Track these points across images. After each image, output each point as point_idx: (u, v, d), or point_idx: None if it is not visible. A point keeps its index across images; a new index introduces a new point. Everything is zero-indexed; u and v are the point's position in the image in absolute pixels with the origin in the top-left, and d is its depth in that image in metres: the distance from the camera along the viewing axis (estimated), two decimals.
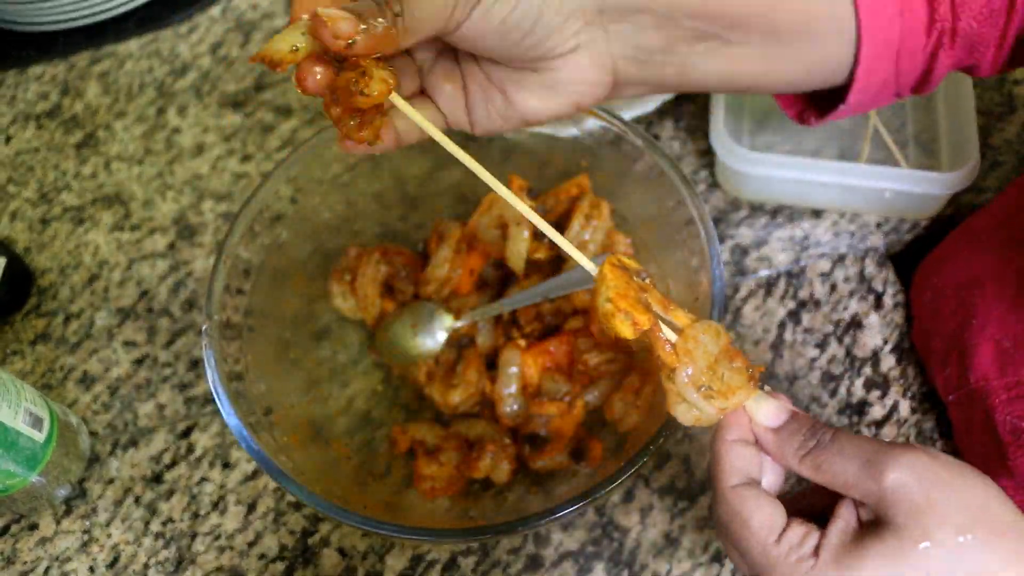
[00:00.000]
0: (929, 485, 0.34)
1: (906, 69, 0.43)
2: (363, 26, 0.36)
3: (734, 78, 0.44)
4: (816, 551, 0.35)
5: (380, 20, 0.36)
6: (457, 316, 0.58)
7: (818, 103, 0.48)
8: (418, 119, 0.41)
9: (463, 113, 0.44)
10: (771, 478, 0.39)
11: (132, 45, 0.83)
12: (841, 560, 0.35)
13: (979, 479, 0.36)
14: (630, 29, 0.41)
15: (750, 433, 0.39)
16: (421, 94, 0.44)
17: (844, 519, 0.36)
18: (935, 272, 0.60)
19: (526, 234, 0.57)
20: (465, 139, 0.61)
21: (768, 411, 0.39)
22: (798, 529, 0.36)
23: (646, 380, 0.53)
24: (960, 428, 0.55)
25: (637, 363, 0.55)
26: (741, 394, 0.39)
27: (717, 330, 0.39)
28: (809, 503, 0.40)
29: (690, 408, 0.39)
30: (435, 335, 0.58)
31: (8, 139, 0.78)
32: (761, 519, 0.37)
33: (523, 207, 0.41)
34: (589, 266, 0.40)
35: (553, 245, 0.59)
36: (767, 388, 0.40)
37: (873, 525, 0.35)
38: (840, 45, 0.42)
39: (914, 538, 0.34)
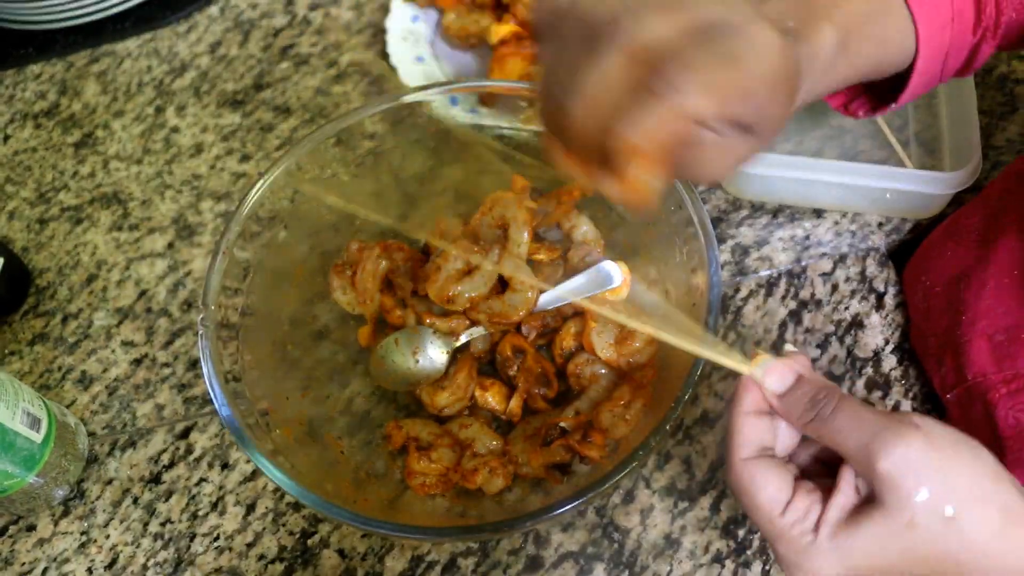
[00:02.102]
0: (920, 471, 0.36)
1: (952, 65, 0.47)
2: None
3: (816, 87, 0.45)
4: (816, 526, 0.38)
5: None
6: (455, 336, 0.58)
7: (866, 94, 0.51)
8: None
9: None
10: (785, 440, 0.41)
11: (130, 44, 0.82)
12: (836, 536, 0.37)
13: (972, 455, 0.38)
14: None
15: (765, 403, 0.41)
16: None
17: (844, 493, 0.38)
18: (923, 271, 0.60)
19: (526, 236, 0.57)
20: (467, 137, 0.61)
21: (773, 377, 0.40)
22: (802, 502, 0.38)
23: (636, 394, 0.53)
24: (959, 426, 0.55)
25: (628, 377, 0.55)
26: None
27: None
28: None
29: None
30: (435, 359, 0.57)
31: (6, 138, 0.78)
32: (768, 493, 0.39)
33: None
34: (744, 368, 0.41)
35: (554, 247, 0.60)
36: (789, 347, 0.41)
37: (868, 501, 0.37)
38: (900, 52, 0.46)
39: (902, 519, 0.36)
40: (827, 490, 0.39)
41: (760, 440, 0.40)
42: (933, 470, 0.36)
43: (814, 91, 0.44)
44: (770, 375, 0.40)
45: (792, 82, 0.37)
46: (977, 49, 0.47)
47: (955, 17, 0.45)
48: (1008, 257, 0.54)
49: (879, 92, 0.51)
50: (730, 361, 0.41)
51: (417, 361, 0.57)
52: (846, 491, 0.38)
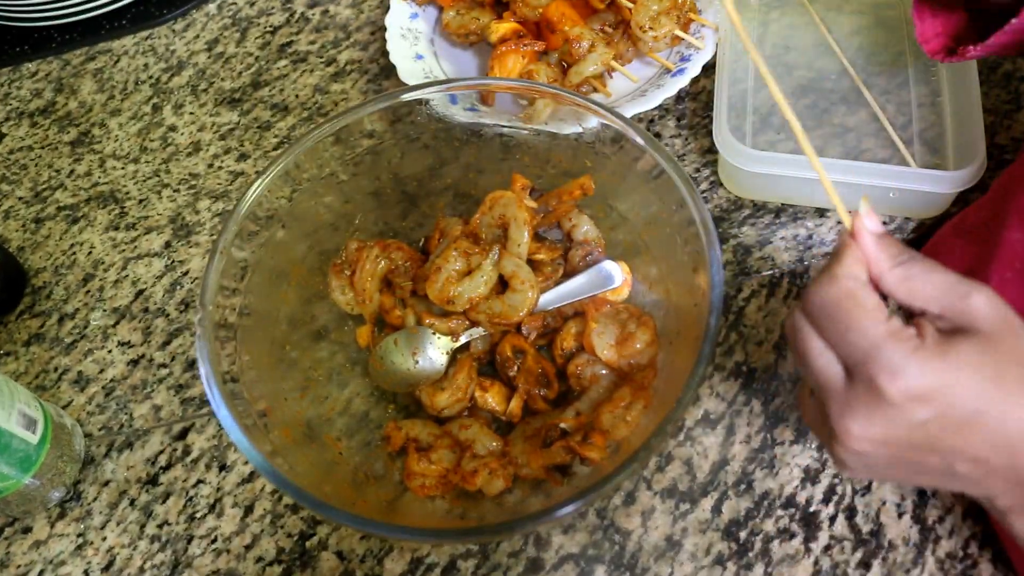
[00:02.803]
0: (1005, 311, 0.38)
1: None
2: None
3: None
4: (920, 335, 0.38)
5: None
6: (455, 337, 0.58)
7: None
8: None
9: None
10: None
11: (127, 42, 0.82)
12: (940, 344, 0.37)
13: None
14: None
15: (864, 265, 0.40)
16: None
17: (928, 323, 0.38)
18: None
19: (526, 236, 0.56)
20: (467, 135, 0.61)
21: (873, 219, 0.40)
22: (899, 319, 0.39)
23: (637, 395, 0.53)
24: None
25: (629, 378, 0.55)
26: None
27: None
28: None
29: None
30: (435, 360, 0.57)
31: (1, 137, 0.78)
32: (874, 302, 0.39)
33: None
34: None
35: (555, 247, 0.59)
36: (864, 206, 0.41)
37: (956, 330, 0.38)
38: None
39: (1001, 338, 0.37)
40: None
41: (863, 276, 0.40)
42: (1013, 315, 0.38)
43: None
44: (869, 217, 0.40)
45: None
46: None
47: None
48: (1011, 250, 0.54)
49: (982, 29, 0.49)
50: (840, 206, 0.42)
51: (417, 362, 0.57)
52: (927, 324, 0.38)
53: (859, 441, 0.39)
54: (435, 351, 0.57)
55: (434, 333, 0.57)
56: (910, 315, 0.40)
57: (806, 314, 0.40)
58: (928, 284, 0.39)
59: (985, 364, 0.37)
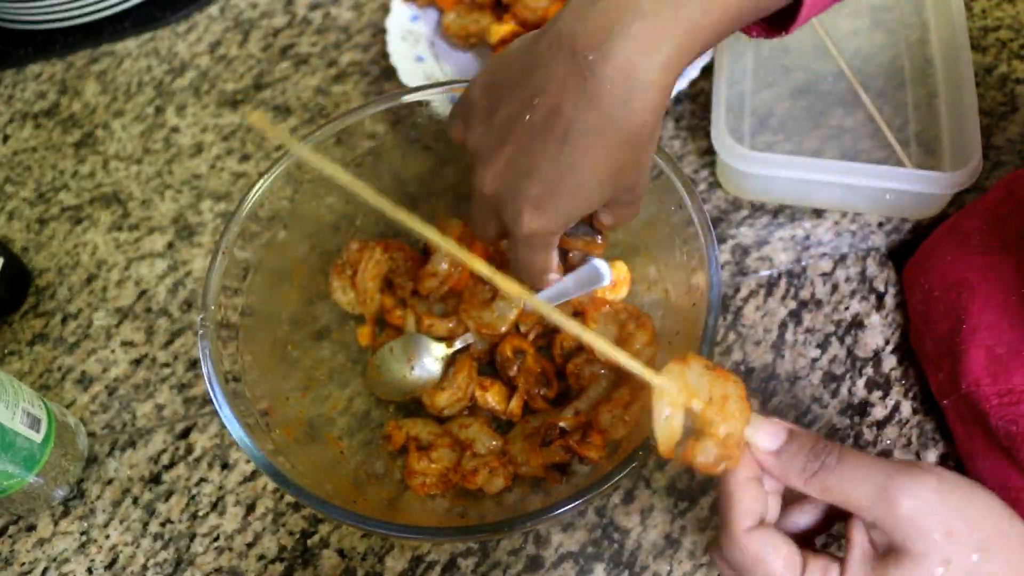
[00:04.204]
0: (943, 512, 0.35)
1: None
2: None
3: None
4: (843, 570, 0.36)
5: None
6: (450, 342, 0.58)
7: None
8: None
9: None
10: (773, 510, 0.40)
11: (130, 44, 0.82)
12: None
13: (985, 496, 0.36)
14: None
15: (757, 468, 0.38)
16: None
17: (860, 546, 0.36)
18: (923, 272, 0.59)
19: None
20: None
21: (766, 433, 0.38)
22: (817, 564, 0.37)
23: (636, 395, 0.53)
24: (960, 433, 0.55)
25: (629, 378, 0.55)
26: (737, 423, 0.38)
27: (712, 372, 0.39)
28: (810, 521, 0.40)
29: (704, 448, 0.38)
30: (430, 367, 0.57)
31: (6, 138, 0.78)
32: (782, 562, 0.37)
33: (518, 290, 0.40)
34: (653, 379, 0.39)
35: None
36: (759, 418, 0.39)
37: (891, 551, 0.36)
38: None
39: (933, 563, 0.34)
40: (825, 557, 0.37)
41: (759, 509, 0.38)
42: (954, 510, 0.35)
43: (696, 52, 0.40)
44: (759, 433, 0.38)
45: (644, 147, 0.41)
46: None
47: None
48: (1013, 271, 0.54)
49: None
50: (645, 372, 0.39)
51: (412, 369, 0.57)
52: (861, 542, 0.36)
53: None
54: (431, 359, 0.58)
55: (430, 339, 0.58)
56: None
57: (725, 564, 0.39)
58: (853, 492, 0.36)
59: None
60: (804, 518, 0.41)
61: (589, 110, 0.39)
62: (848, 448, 0.37)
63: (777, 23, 0.45)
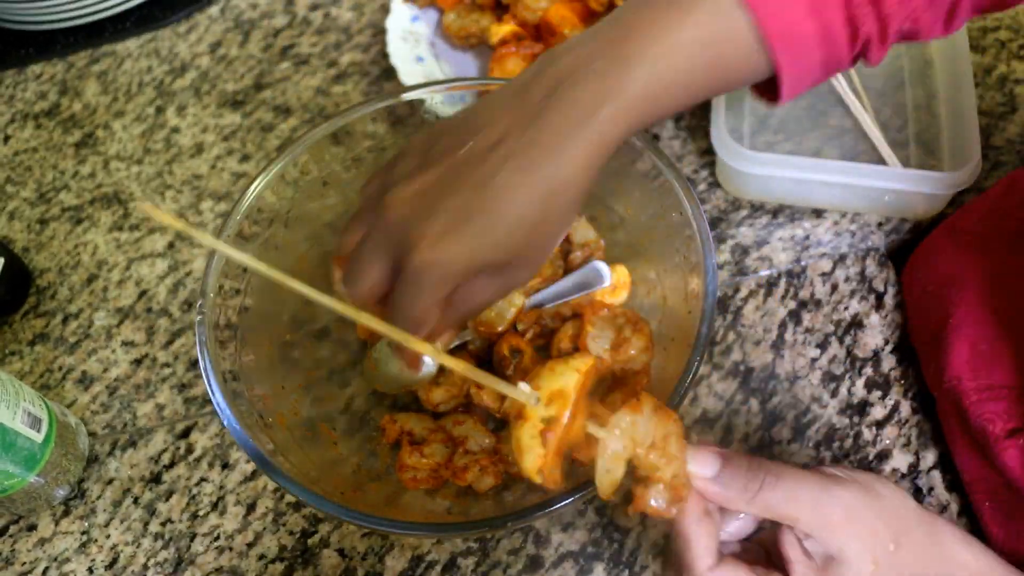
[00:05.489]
0: (866, 515, 0.39)
1: (834, 69, 0.43)
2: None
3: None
4: None
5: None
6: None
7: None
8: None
9: None
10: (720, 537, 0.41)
11: (131, 44, 0.83)
12: None
13: (892, 491, 0.40)
14: None
15: (705, 502, 0.39)
16: None
17: (800, 563, 0.39)
18: (922, 267, 0.60)
19: None
20: None
21: (702, 461, 0.39)
22: None
23: (626, 400, 0.53)
24: (946, 426, 0.55)
25: (623, 382, 0.55)
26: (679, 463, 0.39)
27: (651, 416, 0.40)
28: (742, 528, 0.43)
29: (647, 492, 0.39)
30: (427, 363, 0.57)
31: (6, 139, 0.78)
32: None
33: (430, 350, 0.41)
34: (524, 396, 0.40)
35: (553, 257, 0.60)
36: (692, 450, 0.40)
37: (828, 560, 0.39)
38: (752, 74, 0.42)
39: (865, 563, 0.38)
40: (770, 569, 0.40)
41: (715, 545, 0.39)
42: (873, 511, 0.39)
43: (648, 119, 0.41)
44: (694, 461, 0.39)
45: (548, 225, 0.40)
46: (867, 50, 0.42)
47: (823, 42, 0.40)
48: (1004, 268, 0.54)
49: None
50: (515, 393, 0.40)
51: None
52: (800, 558, 0.38)
53: None
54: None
55: None
56: None
57: None
58: (792, 508, 0.38)
59: None
60: (735, 524, 0.42)
61: (530, 148, 0.39)
62: (780, 463, 0.39)
63: (769, 92, 0.44)
